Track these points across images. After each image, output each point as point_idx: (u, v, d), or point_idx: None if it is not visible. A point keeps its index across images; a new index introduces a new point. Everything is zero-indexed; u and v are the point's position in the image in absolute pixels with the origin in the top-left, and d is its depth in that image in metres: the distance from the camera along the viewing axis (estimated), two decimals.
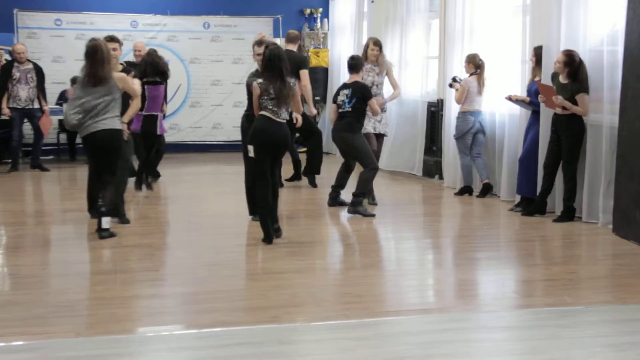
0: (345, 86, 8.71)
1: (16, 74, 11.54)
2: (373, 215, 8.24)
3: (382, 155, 9.93)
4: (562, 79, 7.90)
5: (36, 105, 11.68)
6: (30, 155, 12.08)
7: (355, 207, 8.28)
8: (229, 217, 7.96)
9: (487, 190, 9.40)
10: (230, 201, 8.77)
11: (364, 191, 8.47)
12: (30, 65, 11.68)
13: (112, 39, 8.00)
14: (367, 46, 9.51)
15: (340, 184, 8.82)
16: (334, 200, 8.81)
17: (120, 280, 5.94)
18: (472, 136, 9.53)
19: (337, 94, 8.72)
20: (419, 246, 7.44)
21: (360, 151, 8.46)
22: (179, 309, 5.23)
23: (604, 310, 5.14)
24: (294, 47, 10.44)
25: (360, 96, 8.43)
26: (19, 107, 11.58)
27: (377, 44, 9.51)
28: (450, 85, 9.80)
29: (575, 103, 7.78)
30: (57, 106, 12.54)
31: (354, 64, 8.69)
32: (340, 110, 8.56)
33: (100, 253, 6.76)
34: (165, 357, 4.36)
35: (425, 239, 7.82)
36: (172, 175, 11.33)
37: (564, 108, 7.83)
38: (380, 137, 9.31)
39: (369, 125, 9.06)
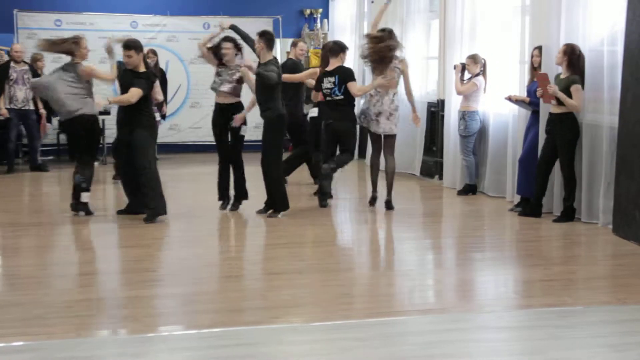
0: (328, 73, 8.55)
1: (13, 74, 11.55)
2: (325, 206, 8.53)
3: (382, 155, 9.86)
4: (562, 74, 7.91)
5: (32, 107, 11.67)
6: (27, 155, 12.14)
7: (326, 180, 8.54)
8: (228, 217, 7.95)
9: (473, 190, 9.68)
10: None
11: (340, 166, 8.69)
12: (26, 67, 11.68)
13: (127, 46, 7.81)
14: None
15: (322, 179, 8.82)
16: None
17: (120, 280, 5.95)
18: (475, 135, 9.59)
19: (320, 81, 8.59)
20: (419, 246, 7.43)
21: (353, 140, 8.81)
22: (179, 309, 5.22)
23: (603, 311, 5.14)
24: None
25: (349, 80, 8.45)
26: (16, 107, 11.57)
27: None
28: (456, 68, 9.59)
29: (570, 96, 7.77)
30: None
31: (337, 48, 8.62)
32: (329, 99, 8.51)
33: (99, 253, 6.75)
34: (165, 357, 4.36)
35: (425, 239, 7.81)
36: (172, 175, 11.32)
37: (559, 103, 7.81)
38: (389, 137, 8.89)
39: (379, 127, 8.69)
